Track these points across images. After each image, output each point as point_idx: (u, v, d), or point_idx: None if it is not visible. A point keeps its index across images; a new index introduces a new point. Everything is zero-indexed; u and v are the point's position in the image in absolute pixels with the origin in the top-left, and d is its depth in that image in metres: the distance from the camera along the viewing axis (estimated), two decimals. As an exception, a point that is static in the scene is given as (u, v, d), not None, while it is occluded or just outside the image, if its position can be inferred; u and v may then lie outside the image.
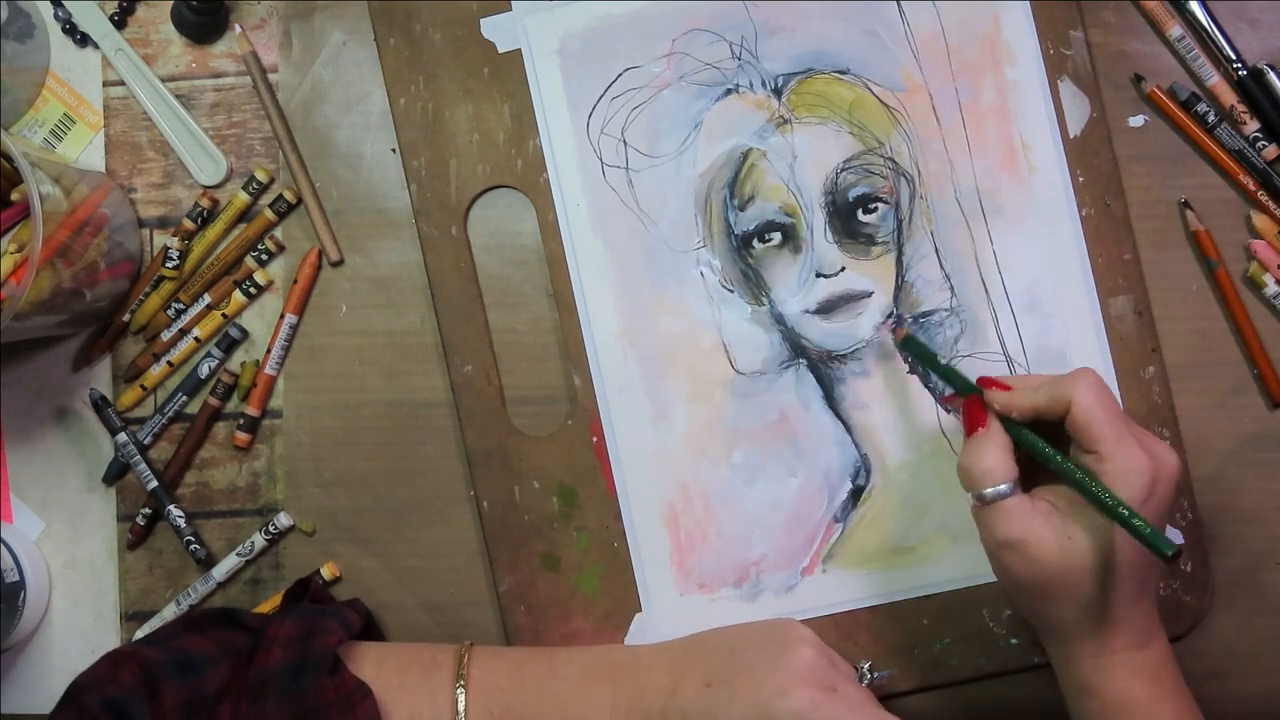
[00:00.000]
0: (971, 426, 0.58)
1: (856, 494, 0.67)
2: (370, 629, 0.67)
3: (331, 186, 0.70)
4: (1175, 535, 0.66)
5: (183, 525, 0.69)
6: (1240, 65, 0.67)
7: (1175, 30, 0.68)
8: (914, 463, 0.67)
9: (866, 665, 0.62)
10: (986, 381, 0.59)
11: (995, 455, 0.56)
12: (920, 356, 0.65)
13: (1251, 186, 0.67)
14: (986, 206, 0.67)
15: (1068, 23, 0.67)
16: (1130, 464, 0.54)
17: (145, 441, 0.70)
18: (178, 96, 0.71)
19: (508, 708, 0.60)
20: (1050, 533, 0.55)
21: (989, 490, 0.56)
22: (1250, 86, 0.67)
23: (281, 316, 0.69)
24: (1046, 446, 0.56)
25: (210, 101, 0.71)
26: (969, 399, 0.59)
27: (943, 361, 0.64)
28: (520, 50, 0.68)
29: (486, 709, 0.60)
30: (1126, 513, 0.53)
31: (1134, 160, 0.68)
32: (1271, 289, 0.67)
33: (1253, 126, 0.67)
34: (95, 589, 0.71)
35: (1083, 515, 0.55)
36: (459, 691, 0.60)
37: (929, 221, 0.67)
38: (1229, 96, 0.68)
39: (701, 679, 0.59)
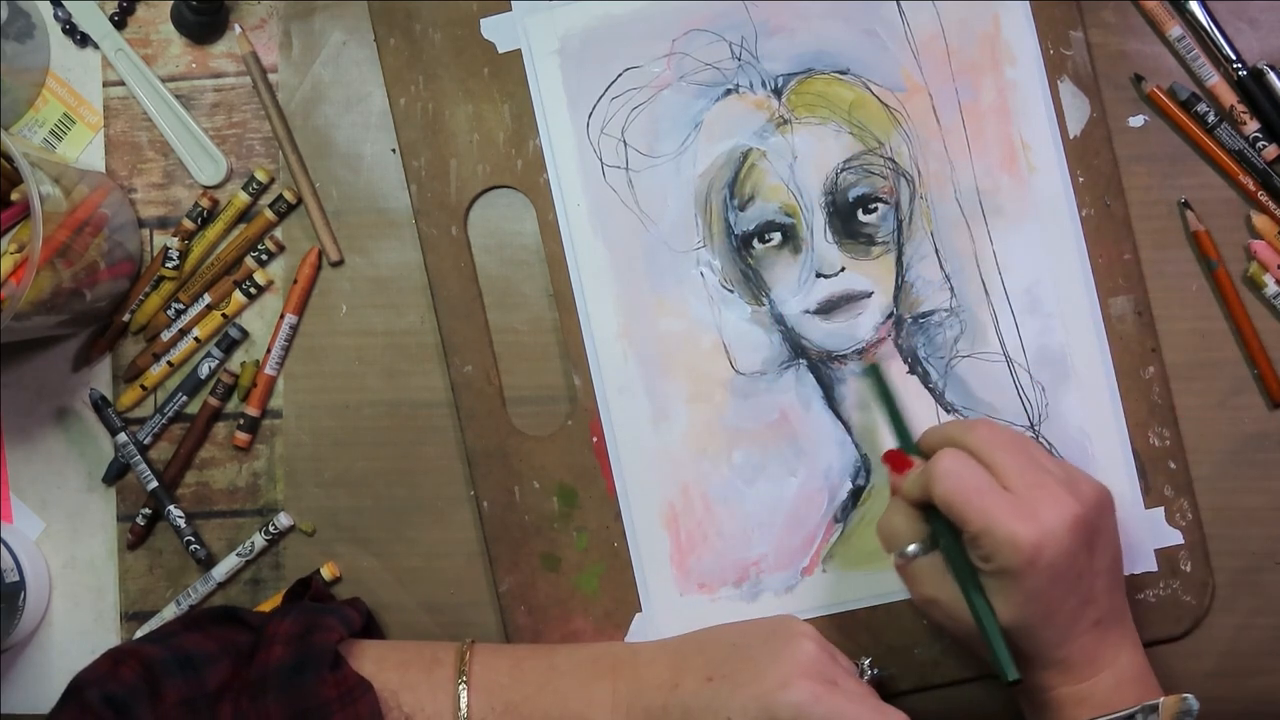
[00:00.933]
0: (892, 489, 0.62)
1: (856, 494, 0.67)
2: (370, 628, 0.67)
3: (331, 186, 0.70)
4: (1175, 536, 0.66)
5: (183, 525, 0.69)
6: (1240, 65, 0.67)
7: (1175, 30, 0.68)
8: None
9: (867, 661, 0.62)
10: (892, 458, 0.61)
11: (900, 520, 0.60)
12: (877, 392, 0.65)
13: (1251, 187, 0.67)
14: (986, 206, 0.67)
15: (1068, 23, 0.67)
16: (1001, 537, 0.55)
17: (145, 441, 0.70)
18: (178, 96, 0.71)
19: (509, 704, 0.60)
20: (957, 593, 0.58)
21: (907, 549, 0.59)
22: (1250, 86, 0.67)
23: (281, 316, 0.69)
24: (940, 529, 0.58)
25: (210, 101, 0.71)
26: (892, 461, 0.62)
27: (896, 406, 0.64)
28: (520, 50, 0.68)
29: (488, 705, 0.60)
30: (986, 624, 0.56)
31: (1134, 160, 0.68)
32: (1271, 289, 0.67)
33: (1253, 126, 0.67)
34: (95, 589, 0.71)
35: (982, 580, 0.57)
36: (461, 688, 0.60)
37: (929, 221, 0.67)
38: (1229, 96, 0.68)
39: (703, 673, 0.59)
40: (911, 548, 0.59)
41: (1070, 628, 0.56)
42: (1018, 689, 0.59)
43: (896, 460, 0.61)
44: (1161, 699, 0.55)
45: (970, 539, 0.56)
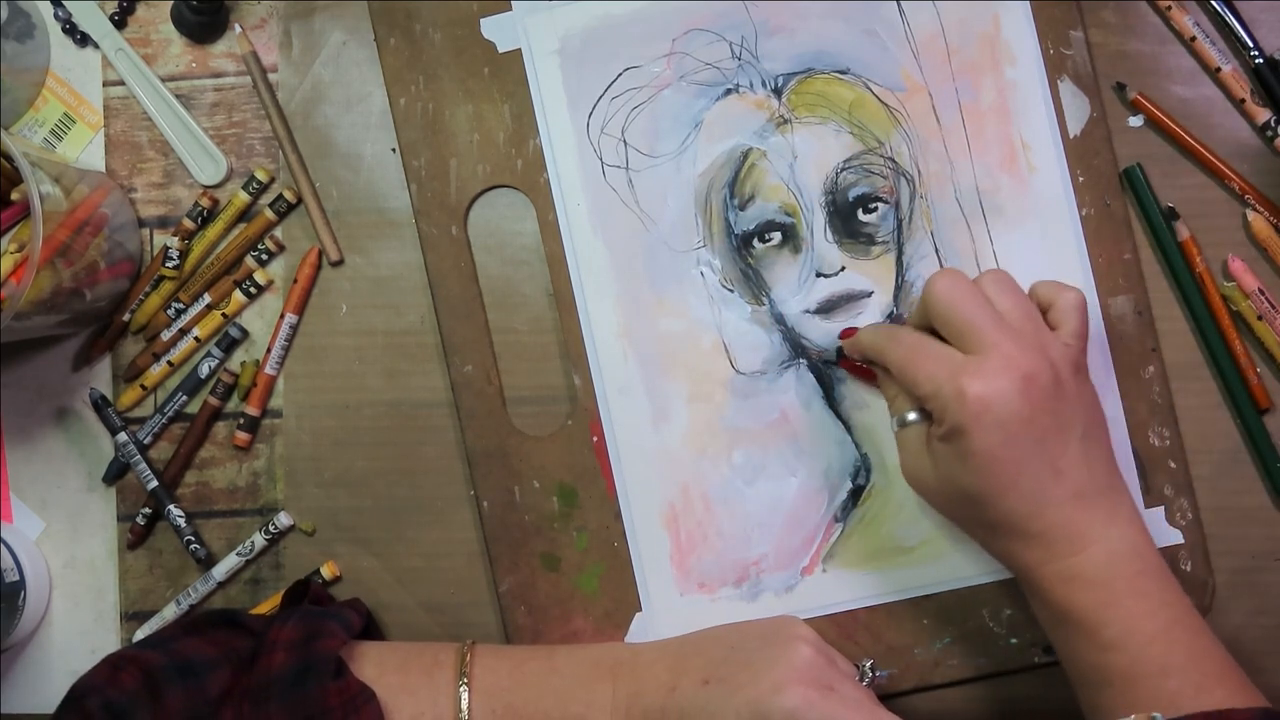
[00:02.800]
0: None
1: (856, 494, 0.67)
2: (370, 629, 0.67)
3: (331, 186, 0.70)
4: (1176, 535, 0.66)
5: (183, 525, 0.69)
6: (1258, 53, 0.67)
7: (1188, 20, 0.67)
8: (914, 463, 0.66)
9: (868, 664, 0.62)
10: (845, 333, 0.66)
11: (895, 388, 0.62)
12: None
13: (1241, 187, 0.67)
14: (986, 206, 0.67)
15: (1068, 23, 0.67)
16: (947, 394, 0.56)
17: (145, 441, 0.70)
18: (178, 96, 0.71)
19: (509, 705, 0.60)
20: (937, 470, 0.58)
21: (907, 416, 0.60)
22: (1266, 75, 0.67)
23: (281, 316, 0.69)
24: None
25: (210, 101, 0.71)
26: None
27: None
28: (520, 50, 0.68)
29: (489, 707, 0.60)
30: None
31: (1134, 160, 0.68)
32: (1244, 306, 0.67)
33: (1264, 115, 0.67)
34: (95, 589, 0.71)
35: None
36: (462, 690, 0.60)
37: (929, 221, 0.67)
38: (1238, 88, 0.67)
39: (700, 676, 0.59)
40: (911, 415, 0.59)
41: (1042, 497, 0.55)
42: (1015, 572, 0.59)
43: (845, 334, 0.66)
44: (1131, 717, 0.53)
45: (923, 402, 0.57)
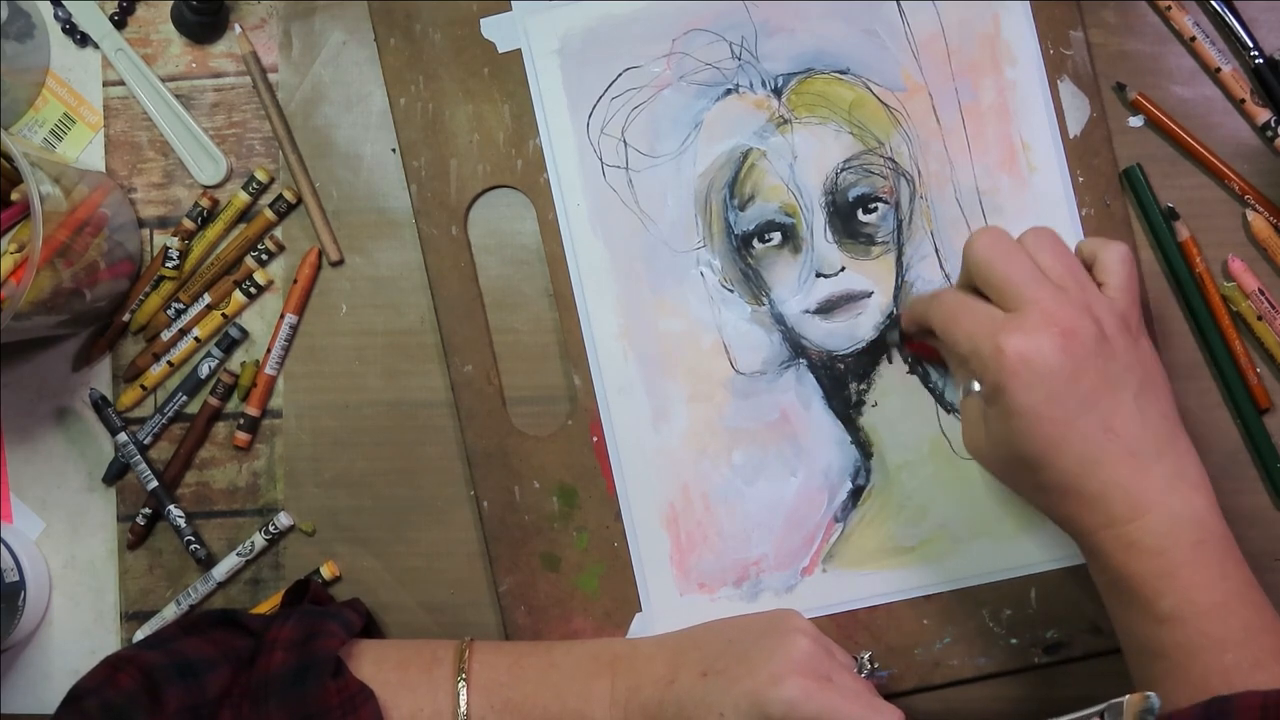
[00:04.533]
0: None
1: (856, 494, 0.67)
2: (370, 629, 0.67)
3: (331, 186, 0.70)
4: None
5: (183, 525, 0.69)
6: (1257, 53, 0.67)
7: (1188, 20, 0.67)
8: (914, 463, 0.67)
9: (867, 656, 0.62)
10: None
11: (957, 361, 0.61)
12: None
13: (1241, 187, 0.67)
14: (986, 206, 0.67)
15: (1068, 23, 0.67)
16: (986, 352, 0.54)
17: (145, 441, 0.70)
18: (178, 96, 0.71)
19: (508, 701, 0.60)
20: (993, 439, 0.57)
21: (973, 386, 0.58)
22: (1266, 75, 0.67)
23: (281, 316, 0.69)
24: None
25: (210, 101, 0.71)
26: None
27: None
28: (520, 50, 0.68)
29: (487, 703, 0.60)
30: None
31: (1134, 160, 0.68)
32: (1244, 306, 0.67)
33: (1264, 116, 0.67)
34: (95, 589, 0.71)
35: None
36: (460, 686, 0.60)
37: (929, 221, 0.67)
38: (1238, 88, 0.67)
39: (698, 669, 0.59)
40: (976, 385, 0.57)
41: (1093, 456, 0.54)
42: (1074, 536, 0.56)
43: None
44: (1126, 697, 0.50)
45: (964, 363, 0.56)
